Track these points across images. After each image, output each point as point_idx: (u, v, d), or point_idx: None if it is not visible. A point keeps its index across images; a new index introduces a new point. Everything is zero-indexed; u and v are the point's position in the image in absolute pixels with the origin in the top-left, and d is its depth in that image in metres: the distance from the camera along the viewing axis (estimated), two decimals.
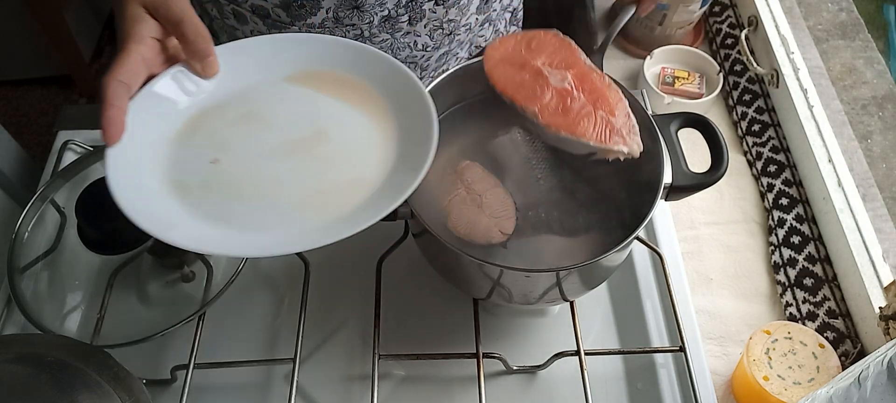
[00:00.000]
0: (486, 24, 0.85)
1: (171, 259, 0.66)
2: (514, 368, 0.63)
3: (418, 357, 0.62)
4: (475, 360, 0.60)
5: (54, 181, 0.67)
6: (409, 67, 0.82)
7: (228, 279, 0.62)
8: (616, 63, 0.99)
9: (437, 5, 0.74)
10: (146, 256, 0.67)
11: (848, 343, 0.69)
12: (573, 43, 0.54)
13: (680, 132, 0.59)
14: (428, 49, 0.80)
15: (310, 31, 0.71)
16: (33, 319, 0.59)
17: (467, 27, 0.81)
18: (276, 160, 0.51)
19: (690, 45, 0.96)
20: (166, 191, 0.49)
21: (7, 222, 0.72)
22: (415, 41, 0.78)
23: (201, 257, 0.64)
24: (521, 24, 0.96)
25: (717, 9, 1.01)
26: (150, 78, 0.52)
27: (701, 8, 0.93)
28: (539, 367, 0.63)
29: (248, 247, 0.48)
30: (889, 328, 0.64)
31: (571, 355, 0.61)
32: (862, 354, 0.68)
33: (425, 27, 0.77)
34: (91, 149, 0.74)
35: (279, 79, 0.56)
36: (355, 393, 0.63)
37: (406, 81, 0.56)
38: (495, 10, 0.85)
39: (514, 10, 0.93)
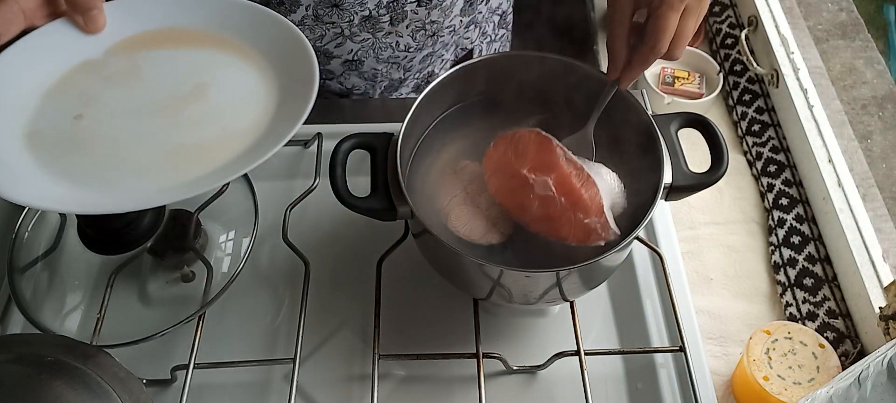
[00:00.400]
0: (472, 27, 0.85)
1: (171, 259, 0.66)
2: (514, 368, 0.63)
3: (418, 357, 0.62)
4: (475, 360, 0.60)
5: None
6: (390, 68, 0.83)
7: (228, 279, 0.62)
8: None
9: (420, 6, 0.74)
10: (146, 256, 0.67)
11: (848, 343, 0.69)
12: (553, 140, 0.58)
13: (680, 132, 0.59)
14: (410, 50, 0.80)
15: None
16: (33, 319, 0.59)
17: (451, 29, 0.81)
18: (140, 118, 0.51)
19: (690, 45, 0.96)
20: (22, 145, 0.49)
21: (7, 222, 0.72)
22: (397, 41, 0.78)
23: (201, 257, 0.64)
24: (510, 26, 0.96)
25: (717, 9, 1.01)
26: (31, 30, 0.52)
27: None
28: (539, 367, 0.63)
29: (87, 205, 0.47)
30: (889, 328, 0.64)
31: (571, 355, 0.61)
32: (862, 354, 0.68)
33: (407, 28, 0.77)
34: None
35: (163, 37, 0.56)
36: (355, 393, 0.63)
37: (287, 32, 0.56)
38: (481, 13, 0.85)
39: (503, 13, 0.93)
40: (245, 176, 0.67)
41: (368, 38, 0.77)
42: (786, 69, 0.86)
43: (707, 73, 0.92)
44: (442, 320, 0.67)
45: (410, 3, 0.74)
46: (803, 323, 0.70)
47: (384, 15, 0.74)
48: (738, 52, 0.93)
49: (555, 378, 0.64)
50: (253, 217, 0.65)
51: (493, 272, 0.55)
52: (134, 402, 0.49)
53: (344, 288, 0.69)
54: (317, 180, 0.71)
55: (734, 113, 0.90)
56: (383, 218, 0.56)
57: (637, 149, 0.60)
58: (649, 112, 0.59)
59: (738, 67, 0.93)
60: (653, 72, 0.92)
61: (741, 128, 0.88)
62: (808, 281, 0.73)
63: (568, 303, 0.63)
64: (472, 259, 0.53)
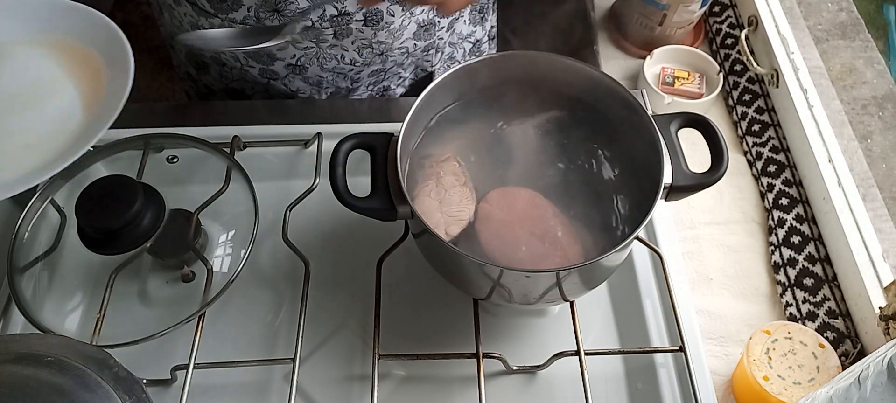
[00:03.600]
0: (432, 51, 0.85)
1: (171, 259, 0.66)
2: (514, 368, 0.63)
3: (418, 357, 0.62)
4: (475, 360, 0.60)
5: (54, 181, 0.67)
6: (336, 77, 0.83)
7: (228, 279, 0.62)
8: (616, 63, 0.99)
9: (366, 26, 0.74)
10: (146, 256, 0.67)
11: (848, 343, 0.69)
12: (543, 199, 0.60)
13: (680, 132, 0.59)
14: (357, 64, 0.80)
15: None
16: (33, 319, 0.59)
17: (404, 51, 0.81)
18: None
19: (690, 45, 0.96)
20: None
21: (7, 222, 0.72)
22: (342, 54, 0.78)
23: (201, 257, 0.64)
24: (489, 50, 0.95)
25: (717, 9, 1.01)
26: None
27: (701, 8, 0.93)
28: (539, 367, 0.63)
29: None
30: (889, 328, 0.64)
31: (571, 355, 0.61)
32: (862, 354, 0.68)
33: (353, 44, 0.77)
34: (91, 148, 0.74)
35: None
36: (355, 393, 0.63)
37: (105, 26, 0.60)
38: (443, 39, 0.84)
39: (477, 42, 0.92)
40: (245, 175, 0.67)
41: (312, 47, 0.77)
42: (786, 69, 0.86)
43: (707, 73, 0.92)
44: (442, 320, 0.67)
45: (356, 20, 0.73)
46: (803, 323, 0.70)
47: (328, 28, 0.74)
48: (738, 52, 0.93)
49: (555, 378, 0.64)
50: (253, 217, 0.65)
51: (493, 272, 0.55)
52: (134, 402, 0.49)
53: (344, 288, 0.69)
54: (317, 180, 0.71)
55: (734, 113, 0.90)
56: (383, 218, 0.56)
57: (637, 149, 0.60)
58: (649, 112, 0.59)
59: (738, 67, 0.93)
60: (653, 72, 0.92)
61: (741, 128, 0.88)
62: (808, 281, 0.73)
63: (568, 303, 0.63)
64: (472, 259, 0.53)
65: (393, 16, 0.75)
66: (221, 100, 0.90)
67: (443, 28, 0.83)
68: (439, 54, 0.87)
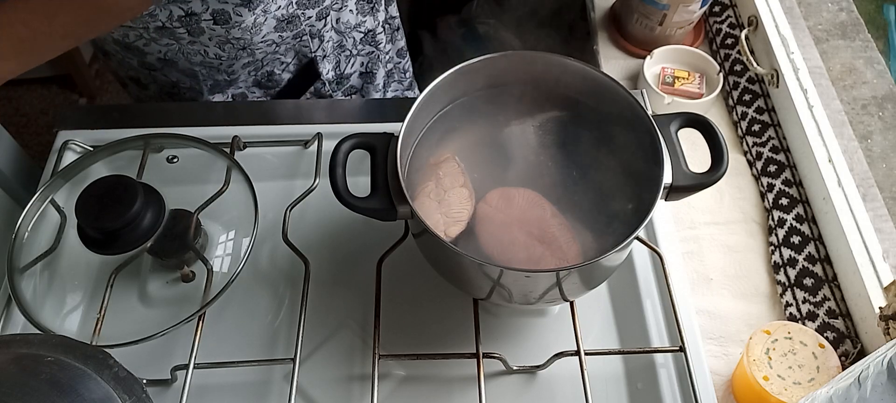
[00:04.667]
0: (307, 38, 0.85)
1: (171, 259, 0.66)
2: (514, 368, 0.63)
3: (418, 357, 0.62)
4: (475, 360, 0.60)
5: (54, 181, 0.67)
6: (209, 71, 0.83)
7: (228, 279, 0.62)
8: (616, 63, 0.99)
9: (217, 24, 0.74)
10: (146, 256, 0.67)
11: (848, 344, 0.69)
12: (542, 199, 0.60)
13: (680, 132, 0.59)
14: (222, 58, 0.81)
15: None
16: (33, 319, 0.59)
17: (270, 42, 0.81)
18: None
19: (690, 45, 0.96)
20: None
21: (7, 222, 0.72)
22: (204, 50, 0.79)
23: (201, 257, 0.64)
24: (385, 46, 0.97)
25: (717, 9, 1.01)
26: None
27: (701, 8, 0.93)
28: (539, 367, 0.63)
29: None
30: (889, 328, 0.64)
31: (571, 355, 0.61)
32: (862, 354, 0.68)
33: (210, 41, 0.77)
34: (91, 148, 0.74)
35: None
36: (355, 393, 0.63)
37: None
38: (317, 26, 0.84)
39: (370, 31, 0.93)
40: (245, 176, 0.67)
41: (173, 44, 0.77)
42: (786, 69, 0.86)
43: (707, 73, 0.92)
44: (442, 320, 0.67)
45: (205, 20, 0.74)
46: (803, 323, 0.70)
47: (180, 27, 0.74)
48: (738, 52, 0.93)
49: (555, 378, 0.64)
50: (253, 217, 0.65)
51: (493, 272, 0.55)
52: (134, 402, 0.49)
53: (344, 288, 0.69)
54: (317, 180, 0.71)
55: (734, 113, 0.90)
56: (383, 218, 0.56)
57: (637, 149, 0.60)
58: (649, 112, 0.59)
59: (738, 67, 0.93)
60: (653, 72, 0.92)
61: (741, 128, 0.88)
62: (808, 281, 0.73)
63: (568, 303, 0.63)
64: (472, 259, 0.53)
65: (241, 16, 0.75)
66: (220, 101, 0.90)
67: (311, 18, 0.83)
68: (319, 41, 0.87)
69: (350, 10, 0.88)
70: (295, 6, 0.80)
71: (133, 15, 0.68)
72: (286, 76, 0.90)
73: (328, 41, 0.88)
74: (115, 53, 0.85)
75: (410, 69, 1.07)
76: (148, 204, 0.60)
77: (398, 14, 0.99)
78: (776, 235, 0.77)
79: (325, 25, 0.85)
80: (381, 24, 0.94)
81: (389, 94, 1.03)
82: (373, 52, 0.96)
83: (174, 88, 0.88)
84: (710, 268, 0.76)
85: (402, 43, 1.02)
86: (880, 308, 0.66)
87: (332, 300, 0.68)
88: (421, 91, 0.60)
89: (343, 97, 0.96)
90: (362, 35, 0.93)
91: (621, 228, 0.58)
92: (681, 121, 0.60)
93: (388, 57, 1.01)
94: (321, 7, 0.83)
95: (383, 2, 0.93)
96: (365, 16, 0.91)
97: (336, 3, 0.86)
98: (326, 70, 0.91)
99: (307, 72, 0.90)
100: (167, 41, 0.77)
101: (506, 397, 0.63)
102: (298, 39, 0.84)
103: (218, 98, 0.88)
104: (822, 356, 0.63)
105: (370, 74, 0.98)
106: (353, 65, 0.95)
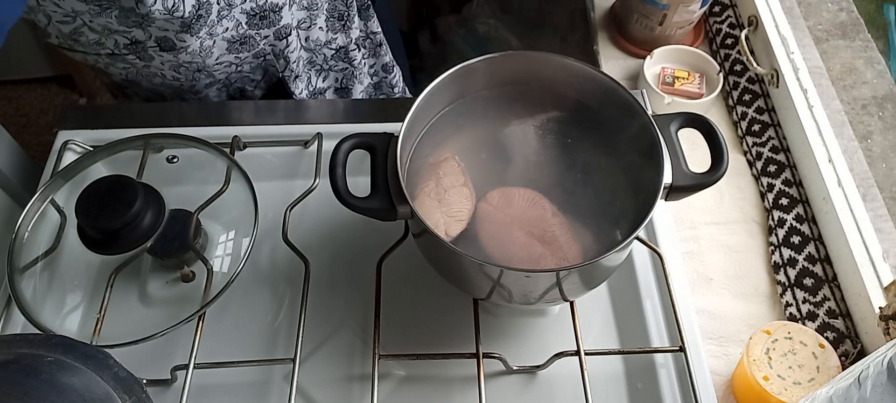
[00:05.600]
0: (271, 58, 0.83)
1: (171, 259, 0.66)
2: (514, 368, 0.63)
3: (418, 357, 0.62)
4: (475, 360, 0.60)
5: (54, 181, 0.67)
6: (174, 91, 0.81)
7: (228, 279, 0.62)
8: (616, 63, 0.99)
9: (164, 51, 0.74)
10: (146, 256, 0.67)
11: (848, 344, 0.69)
12: (543, 198, 0.60)
13: (680, 132, 0.59)
14: (180, 81, 0.80)
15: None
16: (33, 319, 0.59)
17: (226, 64, 0.80)
18: None
19: (690, 45, 0.96)
20: None
21: (7, 222, 0.72)
22: (162, 73, 0.78)
23: (201, 257, 0.64)
24: (359, 63, 0.94)
25: (717, 9, 1.01)
26: None
27: (701, 8, 0.93)
28: (539, 367, 0.63)
29: None
30: (889, 328, 0.64)
31: (571, 355, 0.61)
32: (862, 354, 0.68)
33: (163, 65, 0.76)
34: (91, 148, 0.74)
35: None
36: (355, 393, 0.63)
37: None
38: (280, 46, 0.82)
39: (342, 48, 0.90)
40: (245, 176, 0.67)
41: (129, 67, 0.77)
42: (786, 69, 0.86)
43: (707, 73, 0.92)
44: (442, 320, 0.67)
45: (151, 46, 0.73)
46: (803, 323, 0.70)
47: (129, 54, 0.73)
48: (738, 52, 0.93)
49: (555, 378, 0.64)
50: (253, 217, 0.65)
51: (493, 272, 0.55)
52: (134, 402, 0.49)
53: (344, 288, 0.69)
54: (317, 180, 0.71)
55: (734, 113, 0.90)
56: (383, 218, 0.56)
57: (637, 149, 0.60)
58: (649, 112, 0.59)
59: (738, 67, 0.93)
60: (653, 72, 0.92)
61: (741, 128, 0.88)
62: (808, 281, 0.73)
63: (568, 303, 0.63)
64: (472, 259, 0.53)
65: (184, 41, 0.73)
66: (219, 101, 0.90)
67: (269, 38, 0.80)
68: (285, 62, 0.84)
69: (320, 28, 0.86)
70: (245, 27, 0.77)
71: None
72: (259, 93, 0.89)
73: (296, 61, 0.85)
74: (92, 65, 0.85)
75: (401, 83, 1.04)
76: (148, 204, 0.60)
77: (380, 30, 0.95)
78: (776, 235, 0.77)
79: (287, 46, 0.82)
80: (354, 41, 0.91)
81: None
82: (346, 68, 0.93)
83: (156, 97, 0.88)
84: (710, 268, 0.76)
85: (387, 58, 0.99)
86: (880, 308, 0.66)
87: (332, 300, 0.68)
88: (421, 91, 0.60)
89: None
90: (334, 51, 0.90)
91: (621, 228, 0.58)
92: (681, 121, 0.60)
93: (372, 70, 0.98)
94: (278, 27, 0.79)
95: (356, 18, 0.90)
96: (336, 33, 0.88)
97: (304, 22, 0.83)
98: (299, 89, 0.88)
99: (279, 90, 0.88)
100: (122, 65, 0.77)
101: (506, 397, 0.63)
102: (261, 58, 0.83)
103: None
104: (822, 356, 0.63)
105: (345, 90, 0.95)
106: (325, 79, 0.93)
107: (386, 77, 1.01)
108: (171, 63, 0.76)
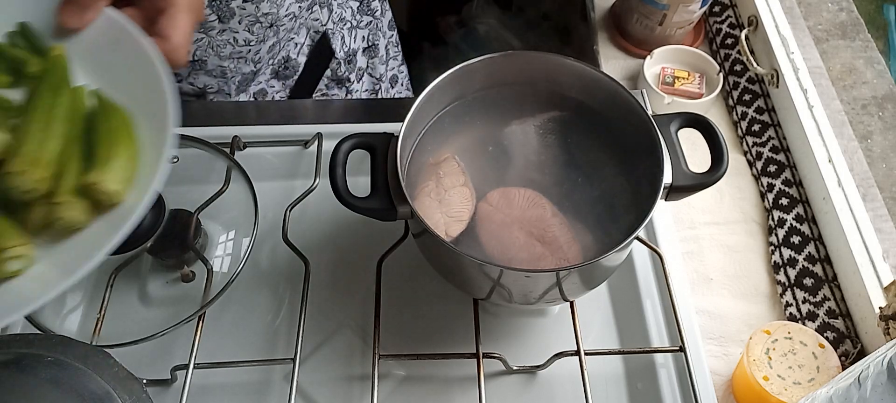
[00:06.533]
0: (317, 8, 0.85)
1: (171, 259, 0.66)
2: (514, 368, 0.63)
3: (418, 357, 0.62)
4: (475, 360, 0.60)
5: None
6: (238, 64, 0.82)
7: (228, 279, 0.62)
8: (616, 63, 0.99)
9: (247, 2, 0.74)
10: (146, 256, 0.67)
11: (848, 344, 0.69)
12: (543, 198, 0.61)
13: (680, 132, 0.59)
14: (251, 43, 0.80)
15: None
16: (33, 319, 0.59)
17: (291, 16, 0.81)
18: None
19: (690, 45, 0.96)
20: None
21: None
22: (234, 38, 0.78)
23: (201, 257, 0.64)
24: (380, 13, 0.97)
25: (717, 9, 1.01)
26: None
27: (701, 8, 0.93)
28: (539, 367, 0.63)
29: None
30: (889, 328, 0.64)
31: (571, 355, 0.61)
32: (862, 354, 0.68)
33: (240, 23, 0.77)
34: None
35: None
36: (355, 393, 0.63)
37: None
38: None
39: (364, 1, 0.93)
40: (245, 175, 0.67)
41: (203, 38, 0.77)
42: (786, 69, 0.86)
43: (707, 73, 0.92)
44: (442, 320, 0.67)
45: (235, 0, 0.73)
46: (803, 323, 0.70)
47: (210, 15, 0.74)
48: (738, 52, 0.93)
49: (555, 378, 0.64)
50: (253, 217, 0.65)
51: (493, 272, 0.55)
52: (134, 402, 0.49)
53: (344, 288, 0.69)
54: (317, 180, 0.71)
55: (734, 113, 0.90)
56: (383, 218, 0.56)
57: (637, 149, 0.60)
58: (649, 112, 0.59)
59: (738, 67, 0.93)
60: (653, 72, 0.92)
61: (741, 128, 0.88)
62: (808, 281, 0.73)
63: (568, 303, 0.63)
64: (472, 258, 0.53)
65: None
66: (220, 101, 0.90)
67: None
68: (327, 11, 0.87)
69: None
70: None
71: None
72: (302, 59, 0.90)
73: (335, 15, 0.88)
74: None
75: (399, 43, 1.08)
76: None
77: None
78: (776, 235, 0.77)
79: None
80: None
81: (389, 73, 1.04)
82: (372, 21, 0.96)
83: (201, 95, 0.88)
84: (710, 268, 0.76)
85: (390, 15, 1.03)
86: (880, 308, 0.66)
87: (333, 300, 0.68)
88: (421, 91, 0.60)
89: (354, 81, 0.96)
90: (358, 4, 0.93)
91: (621, 228, 0.58)
92: (681, 121, 0.60)
93: (389, 23, 1.01)
94: None
95: None
96: None
97: None
98: (338, 46, 0.91)
99: (320, 52, 0.89)
100: (198, 36, 0.76)
101: (506, 397, 0.63)
102: (310, 11, 0.84)
103: (242, 98, 0.88)
104: (822, 356, 0.63)
105: (373, 47, 0.98)
106: (356, 38, 0.95)
107: (391, 35, 1.05)
108: (249, 19, 0.76)
